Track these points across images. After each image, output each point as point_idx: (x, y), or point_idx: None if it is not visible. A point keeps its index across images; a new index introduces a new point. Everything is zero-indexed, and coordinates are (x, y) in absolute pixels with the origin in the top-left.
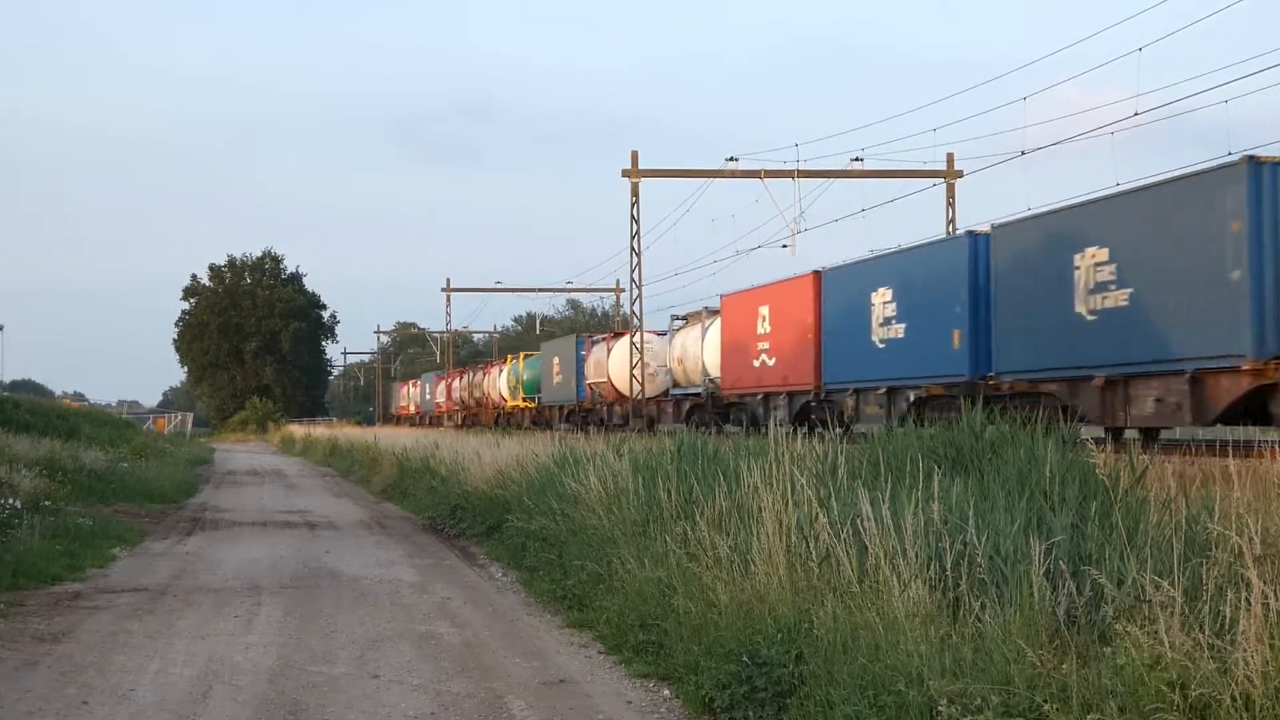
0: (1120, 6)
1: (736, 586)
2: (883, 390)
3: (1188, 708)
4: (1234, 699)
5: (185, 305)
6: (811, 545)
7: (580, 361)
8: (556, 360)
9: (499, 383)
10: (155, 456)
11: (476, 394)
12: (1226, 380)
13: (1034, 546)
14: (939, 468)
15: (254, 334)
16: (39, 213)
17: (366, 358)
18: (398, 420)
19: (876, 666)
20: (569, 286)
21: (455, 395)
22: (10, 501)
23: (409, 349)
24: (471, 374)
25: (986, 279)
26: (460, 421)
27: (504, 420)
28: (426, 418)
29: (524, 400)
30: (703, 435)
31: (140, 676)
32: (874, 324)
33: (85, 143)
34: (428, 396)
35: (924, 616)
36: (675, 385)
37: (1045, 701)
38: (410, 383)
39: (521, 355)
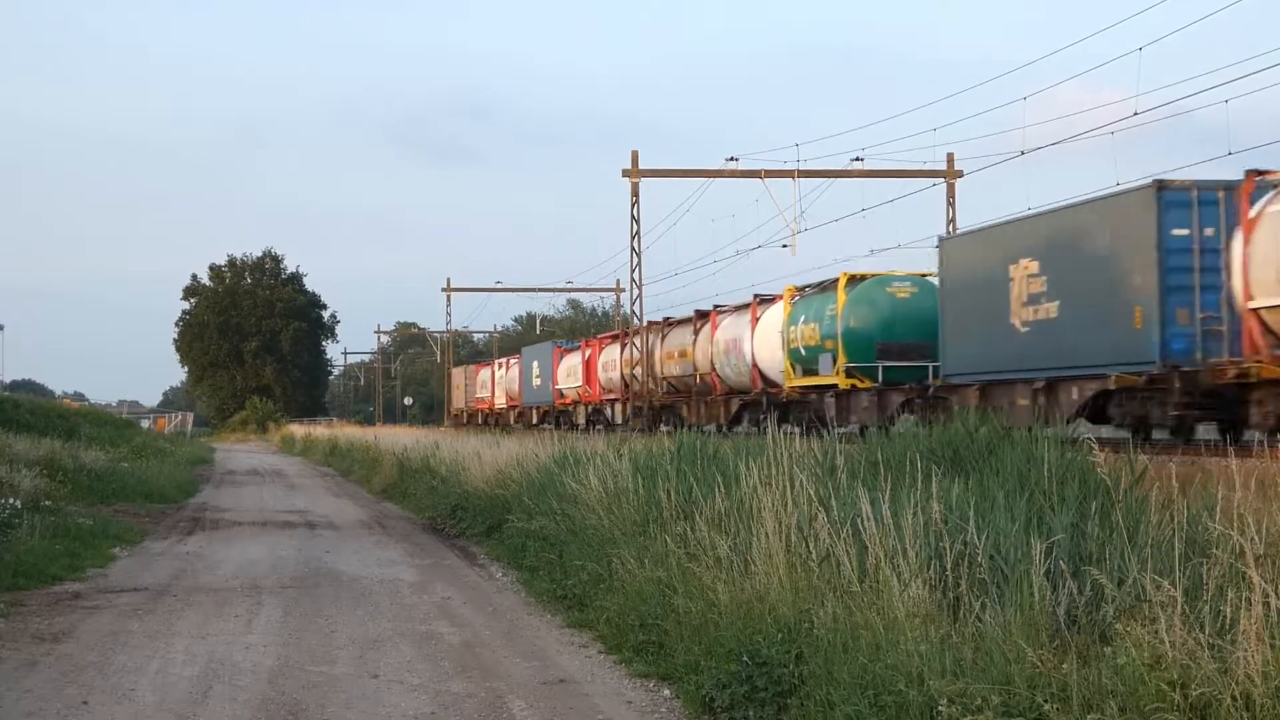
0: (1120, 6)
1: (736, 586)
2: None
3: (1188, 707)
4: (1234, 698)
5: (185, 305)
6: (811, 545)
7: (1178, 252)
8: (1029, 267)
9: (749, 345)
10: (155, 456)
11: (673, 369)
12: None
13: (1034, 546)
14: (938, 468)
15: (254, 334)
16: (39, 213)
17: (366, 357)
18: (468, 419)
19: (877, 666)
20: (569, 286)
21: (609, 375)
22: (10, 501)
23: (409, 349)
24: (655, 336)
25: None
26: (627, 415)
27: (799, 421)
28: (534, 412)
29: (845, 372)
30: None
31: (140, 676)
32: None
33: (85, 142)
34: (535, 381)
35: (924, 616)
36: None
37: (1045, 701)
38: (497, 364)
39: (845, 279)
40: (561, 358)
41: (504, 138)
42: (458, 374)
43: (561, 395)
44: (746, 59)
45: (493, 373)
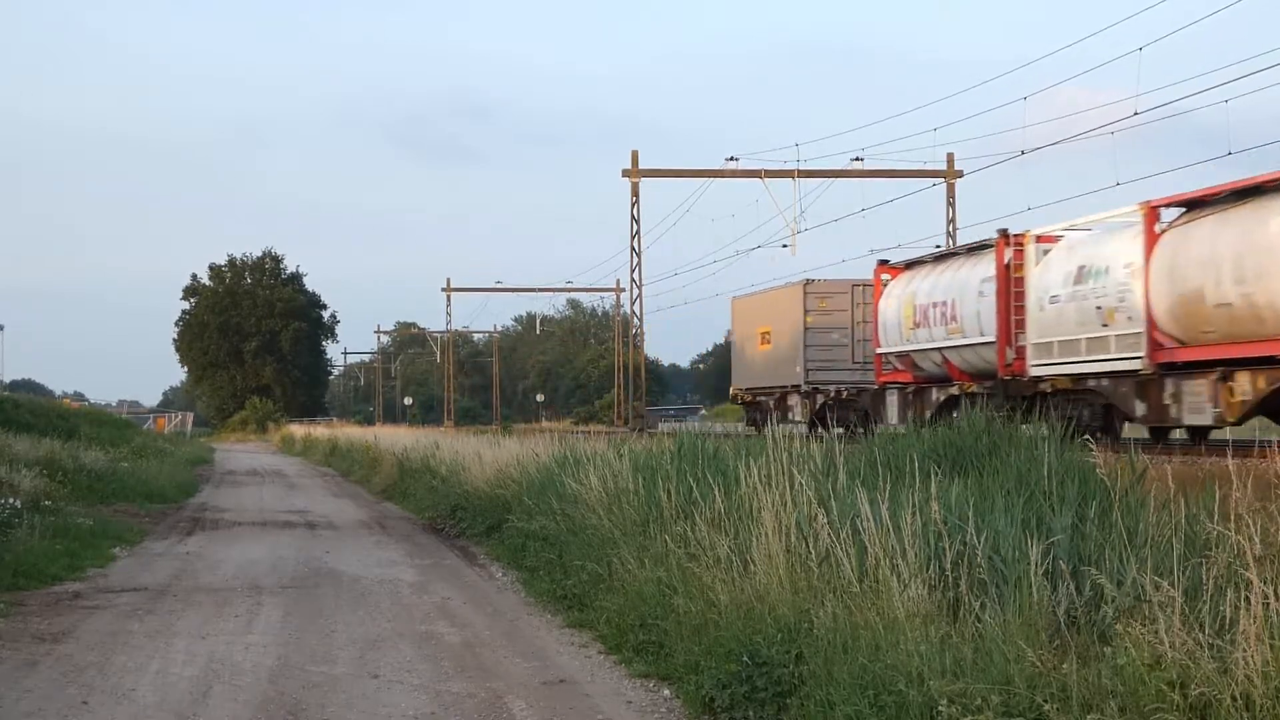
0: (1120, 6)
1: (736, 586)
2: None
3: (1188, 707)
4: (1234, 699)
5: (185, 305)
6: (811, 545)
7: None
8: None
9: None
10: (155, 456)
11: None
12: None
13: (1033, 546)
14: (938, 468)
15: (254, 334)
16: (39, 213)
17: (366, 357)
18: (812, 413)
19: (876, 666)
20: (569, 286)
21: None
22: (10, 501)
23: (409, 349)
24: None
25: None
26: None
27: None
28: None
29: None
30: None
31: (140, 676)
32: None
33: (85, 142)
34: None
35: (924, 616)
36: None
37: (1045, 701)
38: (1046, 238)
39: None
40: None
41: (504, 138)
42: (765, 304)
43: None
44: (746, 59)
45: (1003, 276)
